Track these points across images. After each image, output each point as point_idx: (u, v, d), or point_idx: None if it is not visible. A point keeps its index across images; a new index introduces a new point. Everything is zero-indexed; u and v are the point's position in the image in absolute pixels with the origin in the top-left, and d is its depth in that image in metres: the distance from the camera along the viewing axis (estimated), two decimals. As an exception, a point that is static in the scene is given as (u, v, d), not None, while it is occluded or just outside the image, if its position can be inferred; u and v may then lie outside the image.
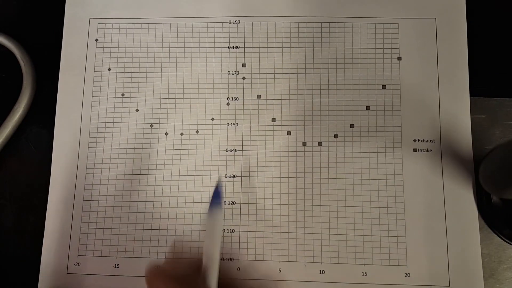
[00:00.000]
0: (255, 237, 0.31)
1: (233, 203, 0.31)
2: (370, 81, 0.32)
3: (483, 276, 0.29)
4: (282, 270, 0.30)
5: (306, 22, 0.33)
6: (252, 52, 0.33)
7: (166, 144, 0.32)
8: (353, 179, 0.31)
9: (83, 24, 0.34)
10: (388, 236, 0.30)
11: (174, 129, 0.33)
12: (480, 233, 0.30)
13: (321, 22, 0.33)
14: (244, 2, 0.34)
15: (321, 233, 0.31)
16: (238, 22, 0.33)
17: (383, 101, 0.32)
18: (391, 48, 0.33)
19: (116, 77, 0.33)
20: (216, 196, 0.27)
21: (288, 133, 0.32)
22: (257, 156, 0.32)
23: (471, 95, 0.32)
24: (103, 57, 0.34)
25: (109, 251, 0.31)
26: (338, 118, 0.32)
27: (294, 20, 0.33)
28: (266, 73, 0.33)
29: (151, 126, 0.33)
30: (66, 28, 0.34)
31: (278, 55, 0.33)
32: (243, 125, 0.32)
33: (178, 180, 0.32)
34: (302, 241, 0.31)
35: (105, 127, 0.33)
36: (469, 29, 0.32)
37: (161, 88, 0.33)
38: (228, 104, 0.33)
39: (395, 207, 0.31)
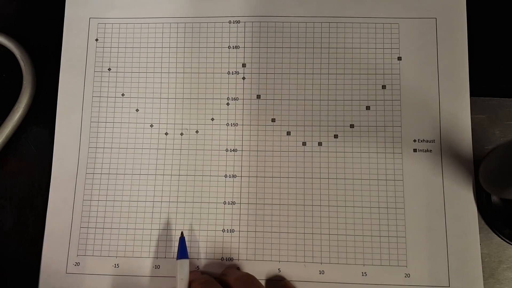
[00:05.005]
0: (255, 237, 0.31)
1: (233, 203, 0.31)
2: (370, 81, 0.32)
3: (483, 276, 0.29)
4: (281, 270, 0.30)
5: (306, 22, 0.33)
6: (252, 52, 0.33)
7: (166, 144, 0.32)
8: (353, 179, 0.31)
9: (83, 24, 0.34)
10: (388, 236, 0.30)
11: (174, 129, 0.33)
12: (480, 233, 0.30)
13: (321, 22, 0.33)
14: (244, 2, 0.34)
15: (320, 233, 0.31)
16: (238, 22, 0.33)
17: (383, 101, 0.32)
18: (391, 48, 0.33)
19: (116, 77, 0.33)
20: (182, 249, 0.29)
21: (288, 133, 0.32)
22: (257, 156, 0.32)
23: (471, 95, 0.32)
24: (103, 57, 0.34)
25: (109, 251, 0.31)
26: (338, 118, 0.32)
27: (294, 20, 0.33)
28: (266, 73, 0.33)
29: (151, 126, 0.33)
30: (66, 28, 0.34)
31: (278, 55, 0.33)
32: (243, 125, 0.32)
33: (178, 180, 0.32)
34: (302, 241, 0.31)
35: (105, 127, 0.33)
36: (469, 29, 0.32)
37: (161, 88, 0.33)
38: (228, 104, 0.33)
39: (395, 207, 0.31)
